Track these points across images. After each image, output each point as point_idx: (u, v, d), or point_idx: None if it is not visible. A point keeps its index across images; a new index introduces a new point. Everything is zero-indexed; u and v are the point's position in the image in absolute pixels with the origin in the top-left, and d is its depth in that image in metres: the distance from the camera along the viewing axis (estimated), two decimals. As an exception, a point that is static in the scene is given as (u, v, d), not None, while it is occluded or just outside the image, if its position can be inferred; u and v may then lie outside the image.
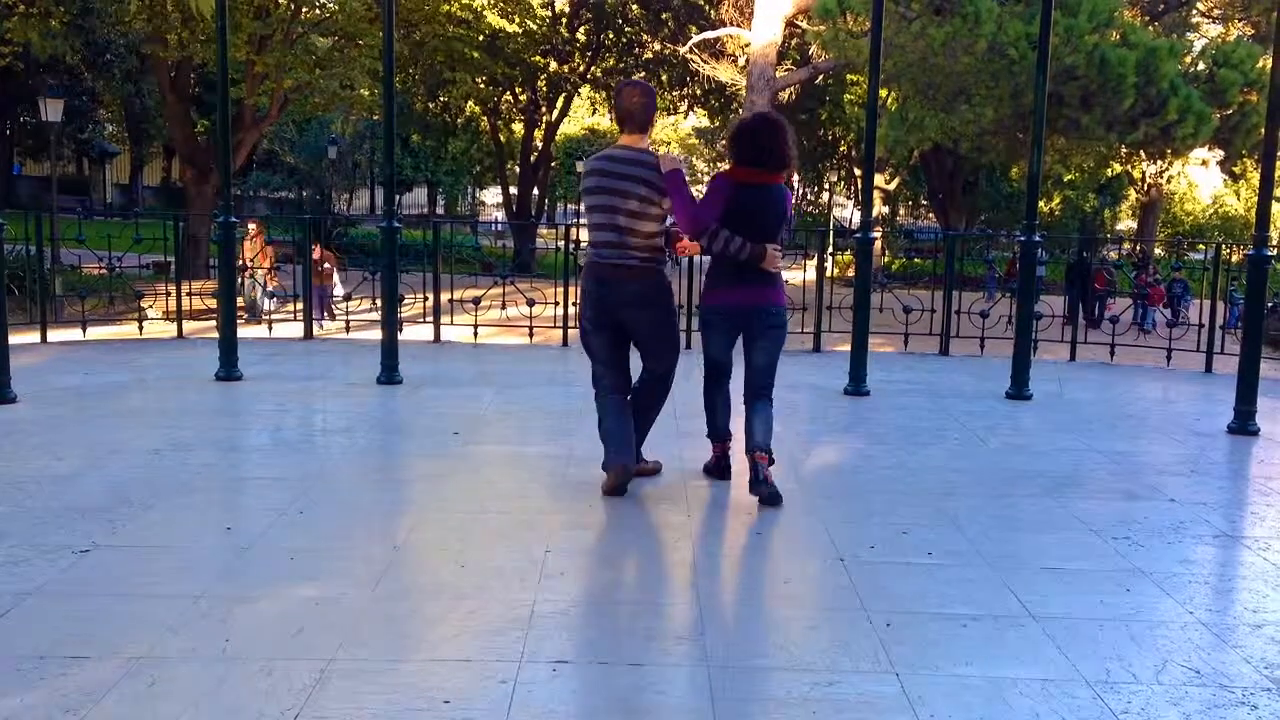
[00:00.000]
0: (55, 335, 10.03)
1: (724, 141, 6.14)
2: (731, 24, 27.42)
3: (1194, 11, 30.30)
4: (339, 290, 16.61)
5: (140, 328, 10.75)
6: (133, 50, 32.71)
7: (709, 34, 28.23)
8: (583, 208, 5.34)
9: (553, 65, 35.01)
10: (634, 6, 34.05)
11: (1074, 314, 19.12)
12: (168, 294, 11.21)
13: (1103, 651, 3.53)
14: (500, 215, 45.73)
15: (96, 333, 10.46)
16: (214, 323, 9.92)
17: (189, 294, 11.08)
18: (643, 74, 36.39)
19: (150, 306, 11.12)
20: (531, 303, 10.68)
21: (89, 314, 10.66)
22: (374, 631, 3.55)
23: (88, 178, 48.70)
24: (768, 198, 5.08)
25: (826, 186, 53.92)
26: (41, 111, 22.78)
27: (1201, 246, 26.88)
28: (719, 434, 5.47)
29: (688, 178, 5.09)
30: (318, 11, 24.25)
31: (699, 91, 36.37)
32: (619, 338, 5.23)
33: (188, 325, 10.64)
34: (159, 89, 25.22)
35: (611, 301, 5.10)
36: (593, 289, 5.14)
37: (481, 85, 32.96)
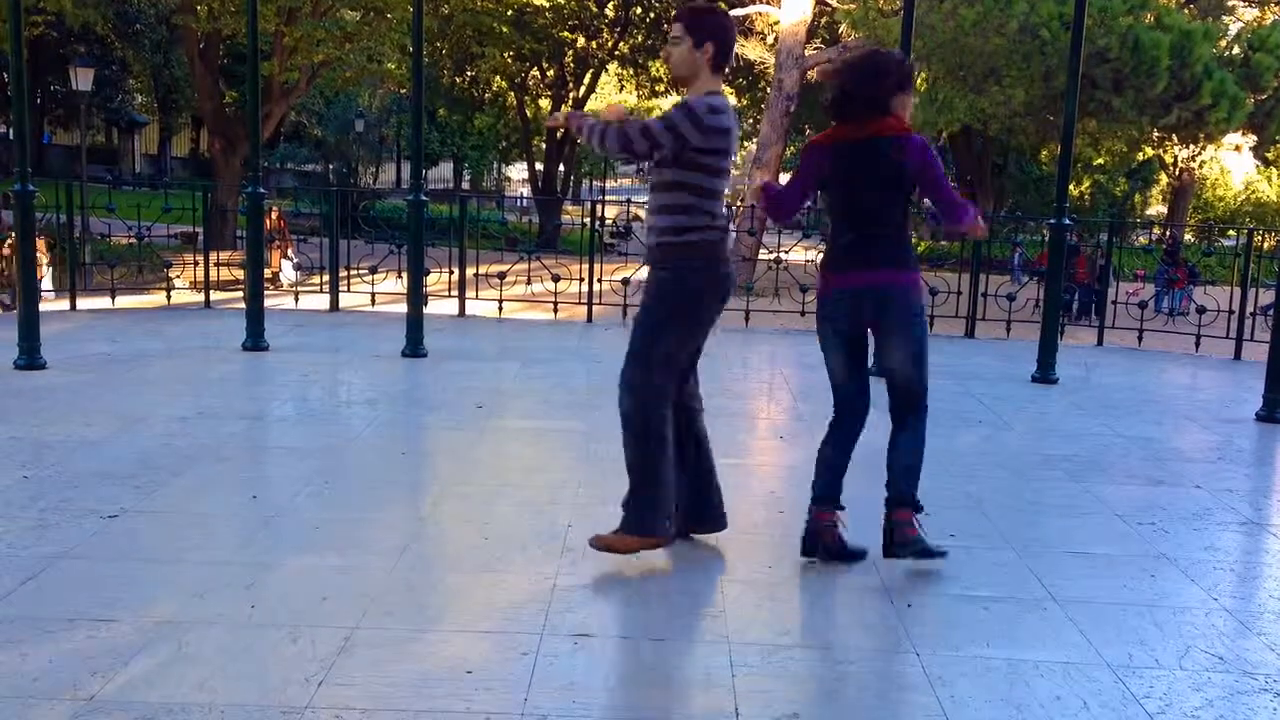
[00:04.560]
0: (84, 303, 10.11)
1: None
2: (761, 1, 27.24)
3: (1230, -6, 29.89)
4: (46, 283, 12.67)
5: (168, 297, 10.81)
6: (162, 20, 32.78)
7: (738, 11, 28.01)
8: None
9: (580, 41, 34.89)
10: (663, -18, 33.86)
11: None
12: (195, 264, 11.28)
13: (1125, 636, 3.52)
14: (526, 191, 45.68)
15: (125, 301, 10.54)
16: (240, 293, 9.98)
17: (216, 264, 11.13)
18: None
19: (178, 276, 11.18)
20: (556, 278, 10.68)
21: (118, 282, 10.74)
22: (397, 601, 3.58)
23: (117, 147, 48.95)
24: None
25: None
26: (72, 80, 22.89)
27: (1232, 233, 26.60)
28: None
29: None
30: (347, -16, 24.20)
31: (728, 69, 36.15)
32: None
33: (214, 295, 10.70)
34: (188, 60, 25.22)
35: None
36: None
37: (509, 60, 32.88)
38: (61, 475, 4.79)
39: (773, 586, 3.87)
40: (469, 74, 36.10)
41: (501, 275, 10.82)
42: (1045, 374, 8.00)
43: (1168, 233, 25.68)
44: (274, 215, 16.81)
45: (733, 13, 28.28)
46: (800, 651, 3.32)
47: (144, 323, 9.40)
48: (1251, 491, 5.45)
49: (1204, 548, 4.46)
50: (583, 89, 37.10)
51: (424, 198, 8.28)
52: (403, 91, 34.57)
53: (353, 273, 11.40)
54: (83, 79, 22.69)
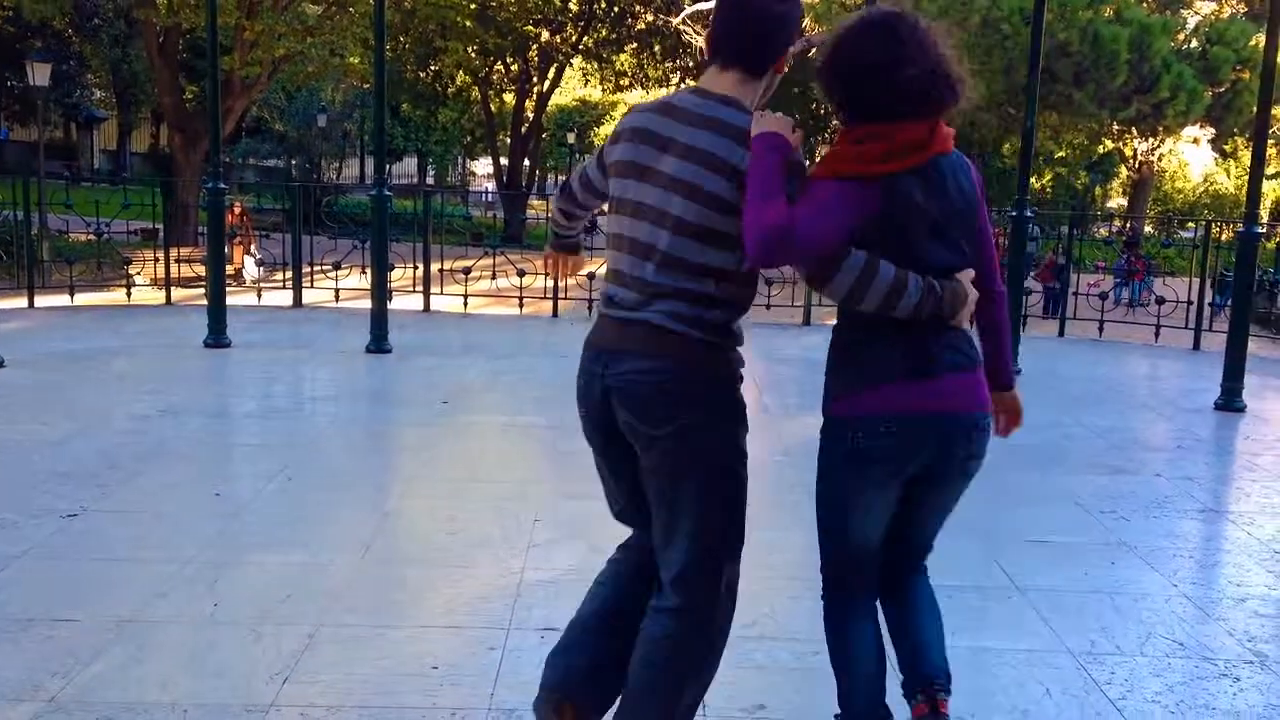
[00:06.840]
0: (43, 301, 9.97)
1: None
2: (724, -6, 27.25)
3: (1188, -12, 30.23)
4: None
5: (128, 294, 10.69)
6: (121, 15, 32.39)
7: (702, 4, 28.04)
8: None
9: (544, 35, 34.77)
10: (627, -24, 33.82)
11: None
12: (156, 260, 11.15)
13: (1087, 623, 3.55)
14: (491, 186, 45.54)
15: (84, 299, 10.40)
16: (202, 290, 9.88)
17: (177, 260, 11.02)
18: (635, 45, 36.17)
19: (138, 273, 11.06)
20: (522, 273, 10.65)
21: (77, 280, 10.59)
22: (362, 597, 3.56)
23: (75, 143, 48.32)
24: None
25: (817, 160, 53.82)
26: (29, 76, 22.53)
27: (1191, 224, 26.93)
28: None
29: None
30: (308, -24, 24.04)
31: (692, 64, 36.16)
32: (624, 463, 2.50)
33: (176, 292, 10.59)
34: (147, 54, 24.96)
35: (599, 396, 2.42)
36: (583, 366, 2.48)
37: (473, 54, 32.74)
38: (20, 474, 4.73)
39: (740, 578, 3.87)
40: (432, 68, 35.95)
41: (466, 270, 10.79)
42: (1008, 365, 8.05)
43: (1128, 225, 25.94)
44: (236, 211, 16.70)
45: (696, 7, 28.34)
46: (767, 643, 3.33)
47: (104, 320, 9.30)
48: (1211, 479, 5.53)
49: (1164, 535, 4.52)
50: (547, 83, 37.01)
51: (388, 193, 8.23)
52: (365, 86, 34.32)
53: (316, 268, 11.32)
54: (40, 74, 22.32)
